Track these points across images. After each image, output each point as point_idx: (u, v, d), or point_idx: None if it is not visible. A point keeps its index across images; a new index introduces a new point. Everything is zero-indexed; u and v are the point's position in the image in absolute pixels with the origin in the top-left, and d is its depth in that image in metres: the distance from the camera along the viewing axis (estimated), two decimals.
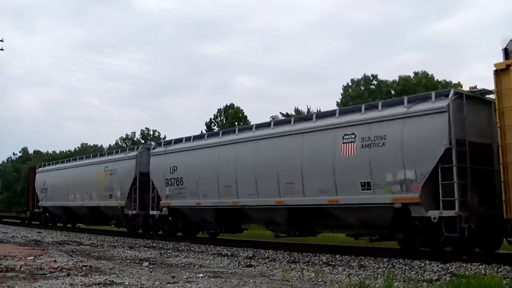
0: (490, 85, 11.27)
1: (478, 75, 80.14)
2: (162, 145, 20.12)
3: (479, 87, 11.92)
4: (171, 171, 18.28)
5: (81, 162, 25.96)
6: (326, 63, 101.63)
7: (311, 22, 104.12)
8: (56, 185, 27.24)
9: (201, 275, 8.71)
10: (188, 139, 18.48)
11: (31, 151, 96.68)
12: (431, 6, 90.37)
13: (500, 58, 10.00)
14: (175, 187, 18.09)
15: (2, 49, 30.76)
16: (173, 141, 19.21)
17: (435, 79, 48.67)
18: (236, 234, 18.30)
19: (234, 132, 16.58)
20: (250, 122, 56.54)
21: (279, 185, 14.09)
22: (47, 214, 29.24)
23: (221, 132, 17.68)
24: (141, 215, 20.34)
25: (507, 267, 9.47)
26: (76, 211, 25.77)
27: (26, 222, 32.34)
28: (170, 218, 18.88)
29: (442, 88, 47.16)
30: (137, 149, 21.30)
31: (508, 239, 10.63)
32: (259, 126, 15.71)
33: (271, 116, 47.57)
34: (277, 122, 16.09)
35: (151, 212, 19.65)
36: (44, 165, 31.00)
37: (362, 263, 10.95)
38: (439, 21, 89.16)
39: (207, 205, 16.79)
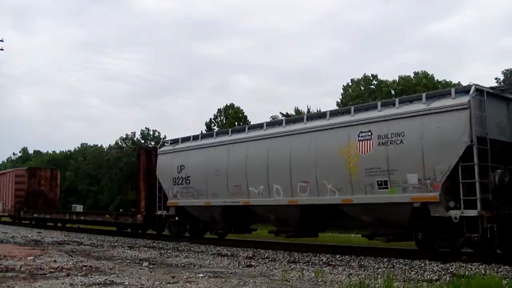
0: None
1: (478, 75, 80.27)
2: None
3: None
4: None
5: (282, 129, 14.73)
6: (326, 63, 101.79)
7: (311, 22, 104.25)
8: (211, 170, 16.11)
9: (201, 275, 8.71)
10: None
11: (31, 151, 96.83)
12: (431, 6, 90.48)
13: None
14: None
15: (2, 49, 30.88)
16: None
17: (435, 79, 48.75)
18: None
19: None
20: (250, 122, 56.61)
21: None
22: (177, 218, 18.24)
23: None
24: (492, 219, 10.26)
25: (507, 267, 9.47)
26: (265, 214, 15.48)
27: (130, 230, 22.10)
28: None
29: (442, 88, 47.24)
30: (464, 92, 11.14)
31: None
32: None
33: (271, 116, 47.59)
34: None
35: None
36: (174, 142, 18.95)
37: (362, 263, 10.95)
38: (439, 21, 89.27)
39: None
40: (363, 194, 12.22)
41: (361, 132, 12.40)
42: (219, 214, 16.43)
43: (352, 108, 13.45)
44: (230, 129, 17.21)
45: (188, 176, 17.19)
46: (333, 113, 13.87)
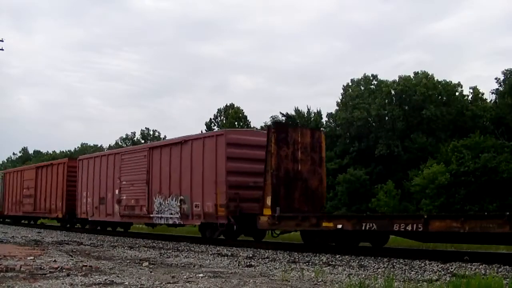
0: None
1: (477, 75, 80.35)
2: None
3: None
4: None
5: None
6: (326, 63, 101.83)
7: (311, 22, 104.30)
8: None
9: (201, 275, 8.71)
10: None
11: (31, 151, 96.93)
12: (431, 6, 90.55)
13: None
14: None
15: (2, 49, 30.90)
16: None
17: (435, 79, 48.75)
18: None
19: None
20: (250, 122, 56.68)
21: None
22: None
23: None
24: None
25: (507, 267, 9.47)
26: None
27: None
28: None
29: (442, 88, 47.21)
30: None
31: None
32: None
33: (271, 116, 47.63)
34: None
35: None
36: None
37: (362, 263, 10.95)
38: (439, 21, 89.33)
39: None
40: None
41: None
42: None
43: None
44: None
45: None
46: None
